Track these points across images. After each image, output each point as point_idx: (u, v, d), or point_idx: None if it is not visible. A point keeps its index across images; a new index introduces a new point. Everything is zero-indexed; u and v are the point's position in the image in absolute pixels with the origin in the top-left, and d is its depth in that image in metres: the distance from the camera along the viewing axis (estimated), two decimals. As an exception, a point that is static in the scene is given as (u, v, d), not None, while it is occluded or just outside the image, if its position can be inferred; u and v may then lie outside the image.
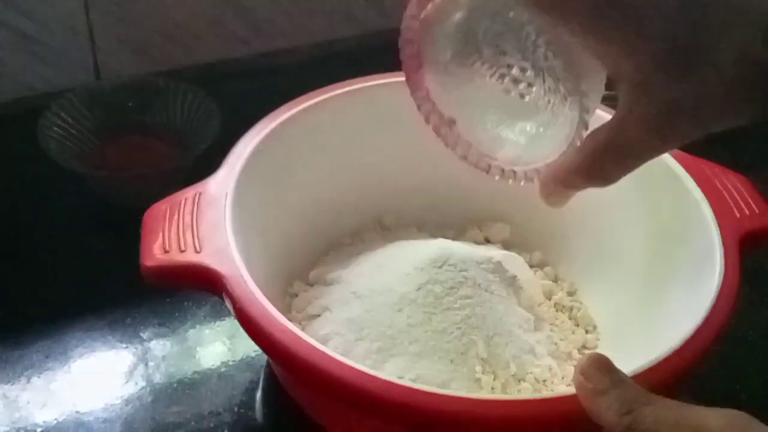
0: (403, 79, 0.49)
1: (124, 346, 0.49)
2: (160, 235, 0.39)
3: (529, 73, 0.36)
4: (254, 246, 0.41)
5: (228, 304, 0.37)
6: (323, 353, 0.34)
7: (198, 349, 0.49)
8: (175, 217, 0.40)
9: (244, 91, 0.67)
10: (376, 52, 0.73)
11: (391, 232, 0.51)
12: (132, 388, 0.47)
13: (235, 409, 0.46)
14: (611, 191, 0.37)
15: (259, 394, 0.47)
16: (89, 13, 0.64)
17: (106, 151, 0.60)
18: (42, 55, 0.65)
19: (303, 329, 0.43)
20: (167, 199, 0.41)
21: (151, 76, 0.63)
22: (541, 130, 0.36)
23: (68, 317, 0.50)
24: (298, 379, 0.37)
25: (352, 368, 0.33)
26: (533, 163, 0.37)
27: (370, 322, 0.42)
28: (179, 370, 0.48)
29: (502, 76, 0.36)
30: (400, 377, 0.39)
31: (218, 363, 0.48)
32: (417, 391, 0.33)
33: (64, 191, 0.58)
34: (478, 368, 0.40)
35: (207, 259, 0.37)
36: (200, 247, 0.38)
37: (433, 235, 0.51)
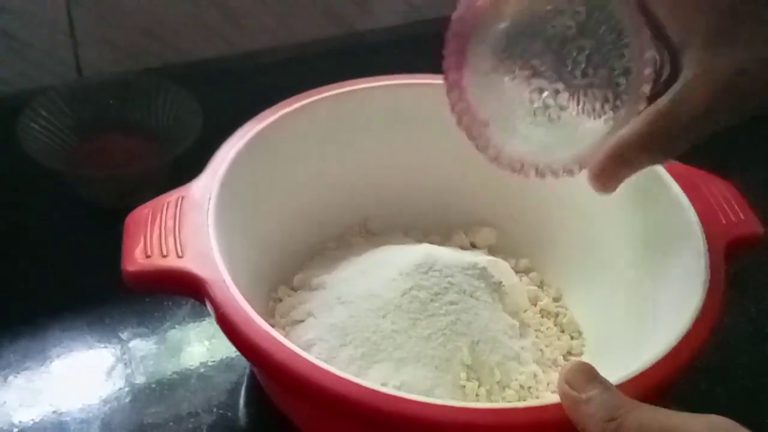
0: (389, 82, 0.49)
1: (103, 345, 0.49)
2: (142, 239, 0.39)
3: (564, 94, 0.37)
4: (238, 250, 0.41)
5: (210, 309, 0.36)
6: (306, 360, 0.33)
7: (178, 349, 0.49)
8: (158, 221, 0.39)
9: (226, 90, 0.67)
10: (360, 53, 0.73)
11: (376, 237, 0.51)
12: (111, 389, 0.46)
13: (215, 410, 0.45)
14: (597, 197, 0.37)
15: (241, 396, 0.46)
16: (71, 10, 0.63)
17: (87, 149, 0.59)
18: (22, 51, 0.64)
19: (286, 335, 0.43)
20: (150, 203, 0.41)
21: (132, 74, 0.63)
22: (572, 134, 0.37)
23: (47, 316, 0.50)
24: (280, 386, 0.37)
25: (335, 375, 0.33)
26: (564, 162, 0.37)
27: (354, 327, 0.41)
28: (158, 371, 0.47)
29: (540, 91, 0.37)
30: (384, 384, 0.39)
31: (198, 363, 0.48)
32: (401, 399, 0.32)
33: (43, 189, 0.57)
34: (463, 375, 0.40)
35: (189, 263, 0.37)
36: (182, 252, 0.38)
37: (419, 240, 0.50)
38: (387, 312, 0.41)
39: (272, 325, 0.36)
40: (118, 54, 0.67)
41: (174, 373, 0.47)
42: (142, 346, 0.49)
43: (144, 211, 0.40)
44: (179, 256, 0.37)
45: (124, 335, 0.49)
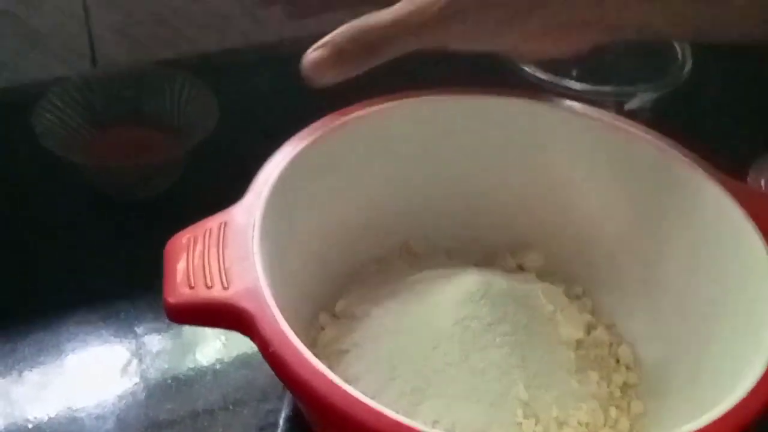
0: (435, 98, 0.47)
1: (118, 340, 0.48)
2: (185, 268, 0.37)
3: None
4: (279, 277, 0.39)
5: (257, 345, 0.35)
6: (362, 403, 0.31)
7: (193, 345, 0.48)
8: (200, 248, 0.37)
9: (242, 82, 0.66)
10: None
11: (419, 259, 0.49)
12: (126, 384, 0.46)
13: (231, 407, 0.45)
14: (658, 218, 0.36)
15: (258, 392, 0.46)
16: (86, 0, 0.62)
17: (102, 140, 0.58)
18: (38, 42, 0.63)
19: (330, 366, 0.41)
20: (190, 228, 0.39)
21: (148, 66, 0.61)
22: None
23: (61, 310, 0.49)
24: (333, 426, 0.35)
25: (390, 419, 0.31)
26: None
27: (403, 359, 0.39)
28: (174, 367, 0.47)
29: None
30: (436, 421, 0.37)
31: (213, 360, 0.47)
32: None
33: (58, 181, 0.56)
34: (519, 412, 0.38)
35: (236, 296, 0.35)
36: (228, 283, 0.36)
37: (464, 262, 0.48)
38: (438, 343, 0.39)
39: (315, 355, 0.34)
40: (134, 45, 0.66)
41: (189, 369, 0.47)
42: (157, 341, 0.48)
43: (184, 237, 0.38)
44: (225, 288, 0.35)
45: (139, 330, 0.49)
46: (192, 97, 0.58)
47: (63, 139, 0.56)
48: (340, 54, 0.40)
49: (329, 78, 0.40)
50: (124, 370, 0.46)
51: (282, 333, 0.34)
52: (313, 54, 0.40)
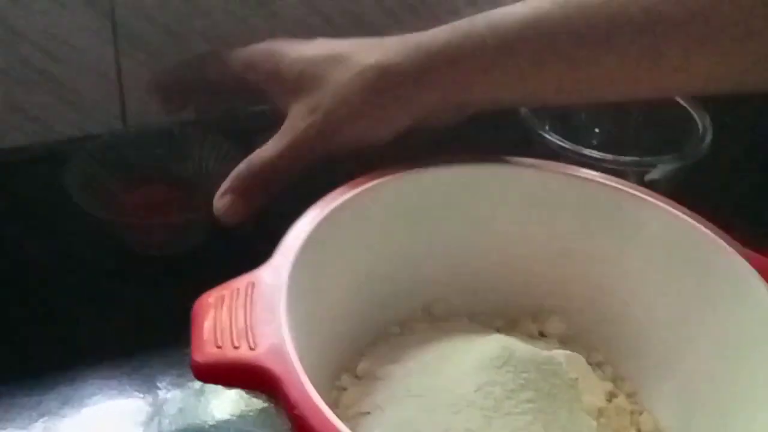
0: (457, 167, 0.48)
1: (141, 395, 0.48)
2: (212, 328, 0.37)
3: None
4: (304, 338, 0.39)
5: (283, 406, 0.35)
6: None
7: (215, 401, 0.48)
8: (227, 308, 0.38)
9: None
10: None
11: (440, 322, 0.49)
12: None
13: None
14: (682, 289, 0.35)
15: None
16: (119, 59, 0.64)
17: (130, 197, 0.59)
18: (70, 99, 0.64)
19: (353, 429, 0.41)
20: (217, 289, 0.39)
21: (177, 125, 0.62)
22: None
23: (86, 364, 0.50)
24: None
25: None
26: None
27: (425, 423, 0.39)
28: (195, 424, 0.47)
29: None
30: (458, 487, 0.37)
31: (235, 418, 0.48)
32: None
33: (85, 237, 0.57)
34: (541, 479, 0.38)
35: (263, 357, 0.35)
36: (255, 344, 0.36)
37: (485, 326, 0.49)
38: (460, 408, 0.39)
39: (337, 417, 0.34)
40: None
41: (211, 426, 0.47)
42: (179, 397, 0.48)
43: (212, 297, 0.39)
44: (252, 349, 0.36)
45: (161, 385, 0.49)
46: (221, 157, 0.59)
47: (92, 195, 0.56)
48: (242, 196, 0.50)
49: (241, 217, 0.50)
50: (146, 425, 0.47)
51: (308, 396, 0.34)
52: (221, 202, 0.50)
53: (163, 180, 0.60)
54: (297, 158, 0.49)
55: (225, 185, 0.50)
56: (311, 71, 0.50)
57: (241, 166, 0.50)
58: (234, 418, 0.47)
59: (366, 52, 0.49)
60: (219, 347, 0.36)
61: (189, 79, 0.58)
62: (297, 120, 0.49)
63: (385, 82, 0.48)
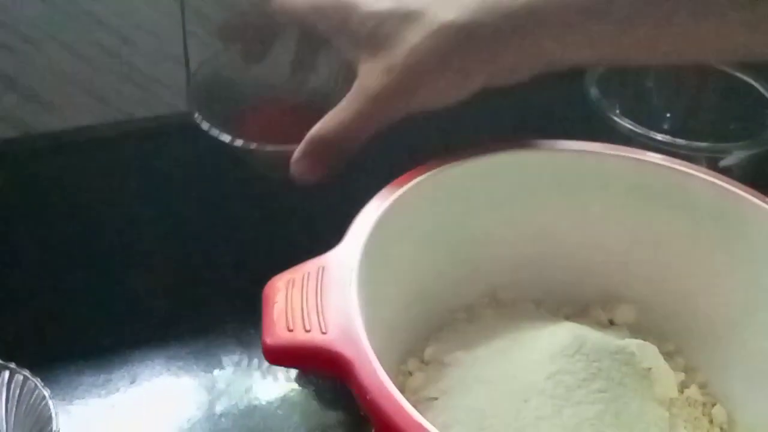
0: (524, 152, 0.47)
1: (207, 375, 0.50)
2: (284, 311, 0.37)
3: None
4: (373, 322, 0.39)
5: (354, 390, 0.35)
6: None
7: (280, 383, 0.49)
8: (299, 292, 0.38)
9: None
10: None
11: (506, 308, 0.48)
12: (212, 418, 0.47)
13: None
14: (757, 278, 0.34)
15: None
16: (187, 42, 0.64)
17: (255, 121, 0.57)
18: (137, 81, 0.65)
19: (420, 413, 0.41)
20: (289, 271, 0.39)
21: None
22: None
23: (153, 343, 0.51)
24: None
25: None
26: None
27: (493, 411, 0.39)
28: (261, 404, 0.48)
29: None
30: (527, 477, 0.37)
31: (302, 398, 0.48)
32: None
33: (158, 215, 0.58)
34: (612, 470, 0.37)
35: (334, 341, 0.35)
36: (326, 328, 0.36)
37: (552, 313, 0.48)
38: (529, 396, 0.39)
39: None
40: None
41: (277, 408, 0.48)
42: (245, 377, 0.50)
43: (282, 280, 0.39)
44: (323, 333, 0.36)
45: (227, 364, 0.50)
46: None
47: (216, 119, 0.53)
48: (319, 160, 0.48)
49: (319, 179, 0.48)
50: (211, 404, 0.48)
51: (380, 381, 0.34)
52: (296, 166, 0.48)
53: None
54: (371, 120, 0.47)
55: (300, 149, 0.48)
56: (384, 29, 0.47)
57: (314, 130, 0.48)
58: (300, 398, 0.48)
59: (442, 9, 0.46)
60: (290, 330, 0.36)
61: (256, 22, 0.56)
62: (370, 80, 0.47)
63: (465, 41, 0.45)
